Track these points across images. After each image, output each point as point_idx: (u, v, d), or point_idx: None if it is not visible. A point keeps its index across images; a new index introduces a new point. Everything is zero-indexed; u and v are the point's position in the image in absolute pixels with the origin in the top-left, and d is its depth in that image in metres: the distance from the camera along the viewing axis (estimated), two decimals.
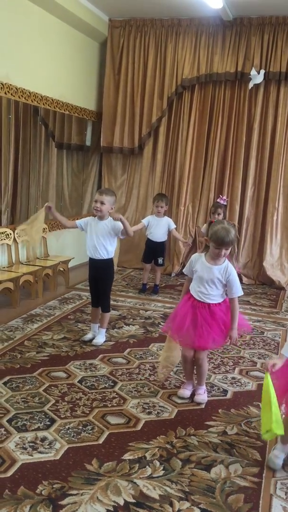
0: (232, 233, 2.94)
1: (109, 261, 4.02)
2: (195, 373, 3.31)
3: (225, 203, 5.48)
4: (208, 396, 3.27)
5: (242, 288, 3.21)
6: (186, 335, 3.05)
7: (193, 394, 3.25)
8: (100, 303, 4.15)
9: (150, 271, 5.95)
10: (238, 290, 3.09)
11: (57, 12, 5.71)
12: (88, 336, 4.16)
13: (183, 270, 3.28)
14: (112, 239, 3.95)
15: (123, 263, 6.96)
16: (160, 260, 5.76)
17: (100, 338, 4.10)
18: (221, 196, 5.63)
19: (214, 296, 3.08)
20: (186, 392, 3.24)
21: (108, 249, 3.95)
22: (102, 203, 3.82)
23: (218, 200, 5.49)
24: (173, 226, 5.71)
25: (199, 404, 3.17)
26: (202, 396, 3.22)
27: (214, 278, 3.04)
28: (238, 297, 3.13)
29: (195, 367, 3.27)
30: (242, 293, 3.17)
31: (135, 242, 6.77)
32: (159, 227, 5.67)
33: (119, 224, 3.85)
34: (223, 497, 2.27)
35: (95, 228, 3.93)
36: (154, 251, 5.72)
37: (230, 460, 2.57)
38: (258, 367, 3.84)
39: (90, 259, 4.03)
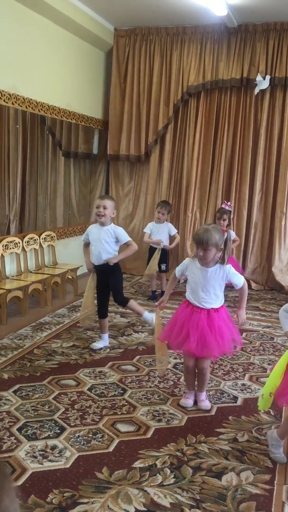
0: (211, 234, 2.85)
1: (116, 264, 4.01)
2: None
3: (230, 209, 5.48)
4: (218, 403, 3.26)
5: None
6: (185, 342, 3.01)
7: (195, 402, 3.23)
8: (116, 301, 4.16)
9: (156, 278, 5.94)
10: (240, 281, 3.07)
11: (63, 23, 5.76)
12: (98, 344, 4.16)
13: (176, 271, 3.19)
14: (115, 244, 3.98)
15: (131, 270, 6.97)
16: (163, 267, 5.71)
17: (152, 322, 4.11)
18: (225, 202, 5.63)
19: (213, 299, 3.03)
20: (189, 401, 3.21)
21: (112, 253, 3.98)
22: (104, 207, 3.85)
23: (223, 206, 5.49)
24: (173, 231, 5.70)
25: (205, 410, 3.15)
26: (206, 402, 3.20)
27: (212, 280, 2.99)
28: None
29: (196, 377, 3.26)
30: (244, 280, 3.13)
31: (143, 249, 6.77)
32: (159, 234, 5.66)
33: (120, 230, 3.94)
34: (235, 504, 2.26)
35: (98, 235, 3.94)
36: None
37: (241, 467, 2.55)
38: (269, 373, 3.80)
39: (97, 266, 4.03)
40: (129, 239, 4.00)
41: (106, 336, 4.20)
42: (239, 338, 3.16)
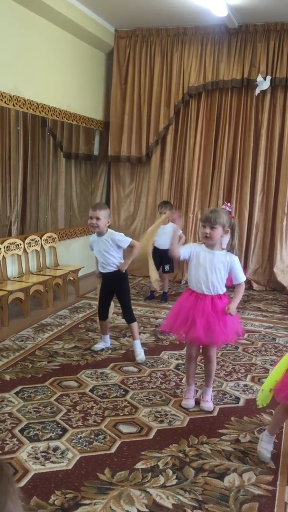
0: (219, 213, 3.01)
1: (122, 271, 3.96)
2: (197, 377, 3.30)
3: (230, 210, 5.47)
4: (220, 404, 3.26)
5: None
6: (191, 329, 2.99)
7: (198, 402, 3.23)
8: (124, 315, 4.09)
9: (159, 279, 5.93)
10: (242, 277, 3.08)
11: (64, 24, 5.77)
12: (99, 346, 4.15)
13: (183, 249, 3.15)
14: (118, 250, 3.89)
15: (132, 271, 6.97)
16: (166, 267, 5.71)
17: (139, 353, 3.95)
18: (225, 203, 5.62)
19: (218, 285, 3.02)
20: (190, 402, 3.20)
21: (117, 261, 3.90)
22: (98, 218, 3.74)
23: (223, 206, 5.48)
24: (179, 232, 5.70)
25: (207, 411, 3.14)
26: (209, 403, 3.19)
27: (218, 263, 3.00)
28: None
29: (199, 367, 3.26)
30: (245, 279, 3.13)
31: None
32: (164, 235, 5.63)
33: (118, 236, 3.84)
34: (237, 505, 2.25)
35: (98, 245, 3.88)
36: (160, 259, 5.69)
37: (244, 468, 2.55)
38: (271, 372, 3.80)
39: (102, 273, 3.99)
40: (130, 241, 3.88)
41: (107, 337, 4.20)
42: (240, 328, 3.17)
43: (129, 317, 4.03)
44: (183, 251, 3.12)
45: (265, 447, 2.63)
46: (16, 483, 2.27)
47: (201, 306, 3.00)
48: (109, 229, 3.89)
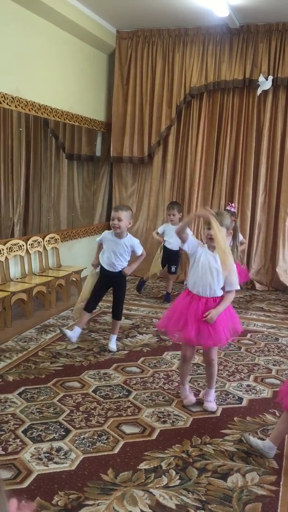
0: (224, 216, 3.09)
1: (126, 275, 4.09)
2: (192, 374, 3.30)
3: (234, 210, 5.48)
4: (223, 404, 3.25)
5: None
6: (183, 330, 3.00)
7: (201, 402, 3.22)
8: (114, 311, 4.17)
9: (163, 279, 5.95)
10: (236, 283, 3.05)
11: (66, 26, 5.78)
12: (68, 333, 3.99)
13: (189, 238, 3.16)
14: (129, 255, 4.03)
15: (135, 272, 6.95)
16: (173, 268, 5.77)
17: (114, 344, 4.16)
18: (230, 204, 5.63)
19: (215, 287, 3.02)
20: (190, 398, 3.21)
21: (125, 264, 4.03)
22: (119, 219, 3.83)
23: (228, 208, 5.49)
24: (189, 233, 5.73)
25: (210, 412, 3.14)
26: (212, 404, 3.19)
27: (219, 266, 3.01)
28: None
29: (202, 366, 3.27)
30: (239, 288, 3.12)
31: (147, 251, 6.75)
32: (175, 236, 5.66)
33: (136, 242, 3.98)
34: (241, 506, 2.25)
35: (113, 245, 3.95)
36: (168, 258, 5.74)
37: (247, 468, 2.55)
38: (274, 374, 3.80)
39: (105, 269, 4.03)
40: (142, 249, 4.06)
41: (79, 331, 4.06)
42: (239, 326, 3.16)
43: (120, 314, 4.19)
44: (191, 241, 3.12)
45: (266, 451, 2.64)
46: (4, 483, 2.25)
47: (194, 307, 3.02)
48: (128, 234, 3.99)
